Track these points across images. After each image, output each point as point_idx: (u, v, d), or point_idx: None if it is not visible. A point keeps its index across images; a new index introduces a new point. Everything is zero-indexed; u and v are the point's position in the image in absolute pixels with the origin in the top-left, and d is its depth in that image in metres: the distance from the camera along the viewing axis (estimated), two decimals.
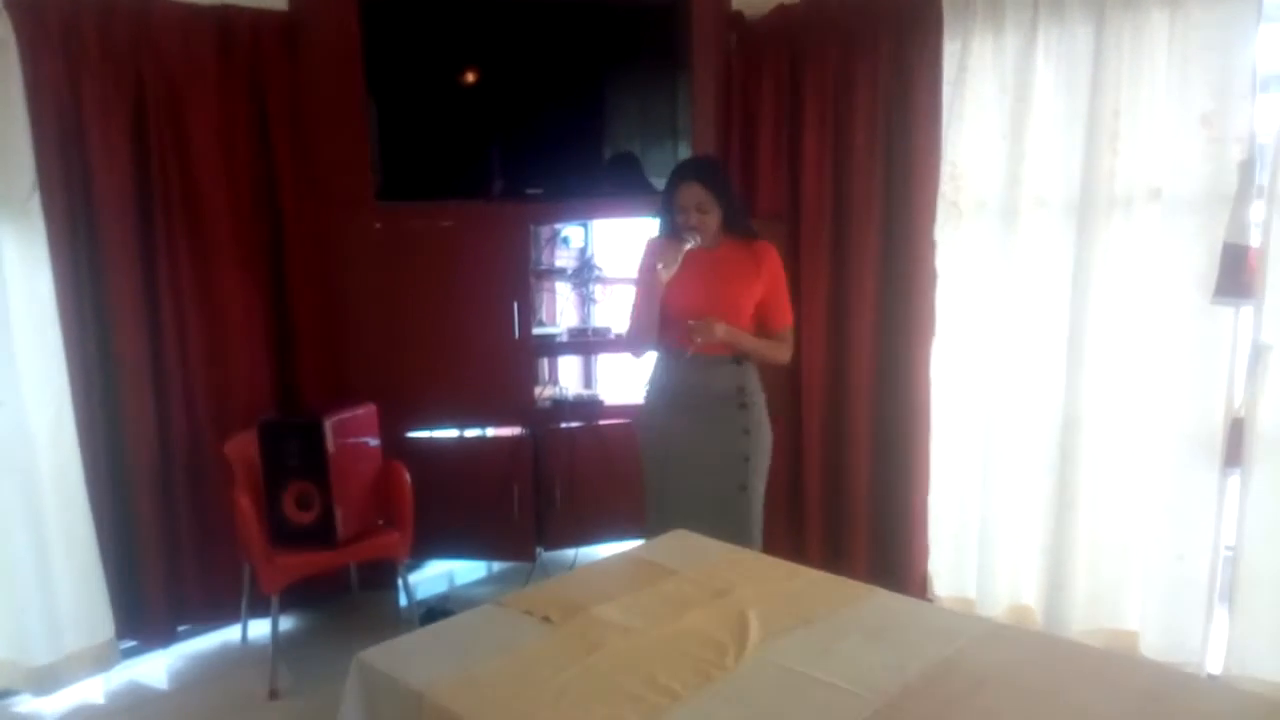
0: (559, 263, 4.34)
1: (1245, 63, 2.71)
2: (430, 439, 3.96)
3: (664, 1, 3.75)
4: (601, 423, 3.97)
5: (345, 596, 3.81)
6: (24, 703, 3.15)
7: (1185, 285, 2.88)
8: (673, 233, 2.87)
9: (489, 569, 4.24)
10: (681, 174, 2.88)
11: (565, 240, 4.32)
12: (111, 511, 3.26)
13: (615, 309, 4.23)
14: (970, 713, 1.70)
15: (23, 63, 2.91)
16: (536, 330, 3.97)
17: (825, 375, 3.70)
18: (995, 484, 3.32)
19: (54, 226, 3.02)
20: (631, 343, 3.03)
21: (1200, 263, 2.84)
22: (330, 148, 3.62)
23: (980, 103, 3.22)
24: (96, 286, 3.19)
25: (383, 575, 3.73)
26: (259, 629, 3.51)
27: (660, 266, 2.79)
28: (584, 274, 4.29)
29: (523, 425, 3.91)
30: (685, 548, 2.50)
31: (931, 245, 3.37)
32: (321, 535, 3.26)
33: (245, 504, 3.16)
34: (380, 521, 3.49)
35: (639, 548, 2.59)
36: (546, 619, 2.06)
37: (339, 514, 3.26)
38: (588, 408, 4.02)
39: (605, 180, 3.83)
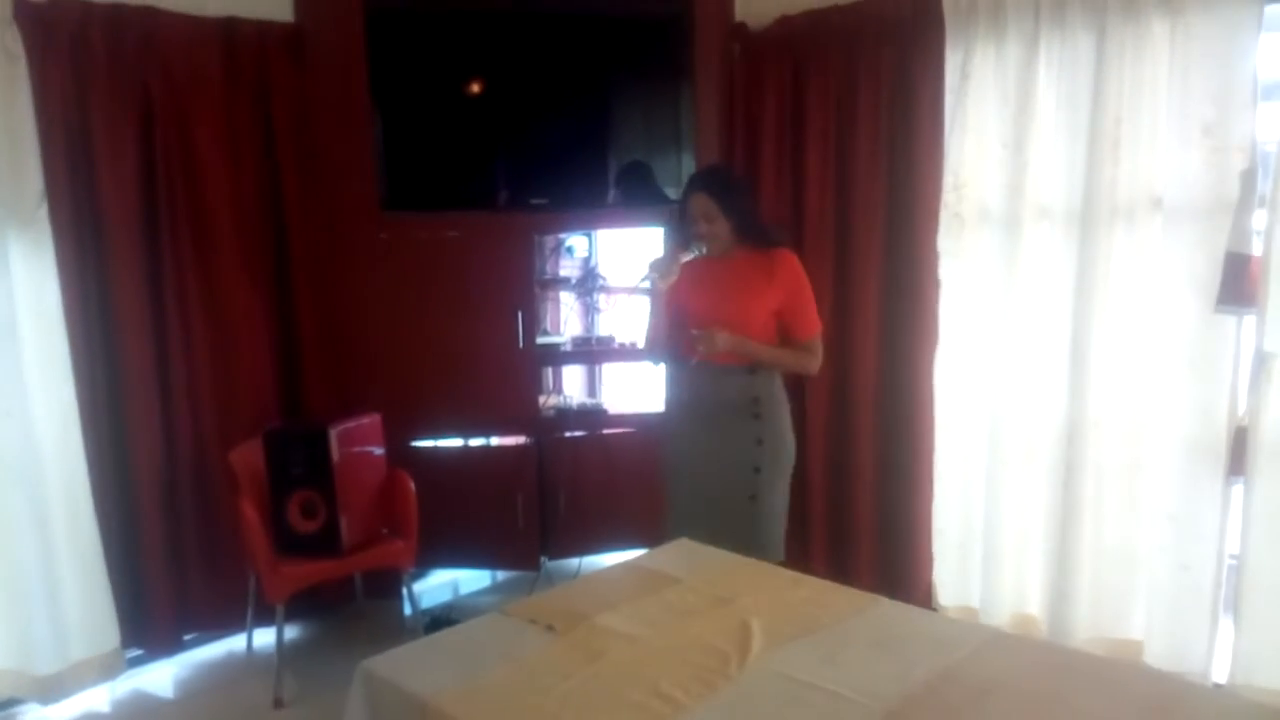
0: (563, 272, 4.35)
1: (1246, 72, 2.72)
2: (435, 448, 3.97)
3: (667, 13, 3.77)
4: (606, 432, 3.98)
5: (350, 605, 3.82)
6: (30, 711, 3.16)
7: (1188, 294, 2.88)
8: (684, 242, 2.91)
9: (493, 578, 4.24)
10: (690, 184, 2.94)
11: (570, 250, 4.33)
12: (117, 520, 3.27)
13: (620, 318, 4.25)
14: None
15: (31, 74, 2.93)
16: (541, 340, 3.97)
17: (829, 384, 3.69)
18: (999, 493, 3.32)
19: (61, 237, 3.04)
20: (646, 352, 3.10)
21: (1203, 271, 2.84)
22: (336, 158, 3.64)
23: (982, 112, 3.23)
24: (103, 296, 3.20)
25: (387, 584, 3.74)
26: (264, 638, 3.51)
27: (656, 276, 2.83)
28: (588, 283, 4.30)
29: (527, 434, 3.92)
30: (688, 556, 2.50)
31: (934, 254, 3.38)
32: (326, 544, 3.27)
33: (250, 513, 3.17)
34: (385, 530, 3.50)
35: (642, 556, 2.59)
36: (550, 628, 2.06)
37: (344, 523, 3.27)
38: (592, 417, 4.03)
39: (617, 188, 3.85)
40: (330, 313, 3.72)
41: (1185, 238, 2.88)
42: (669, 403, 3.07)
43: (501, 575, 4.23)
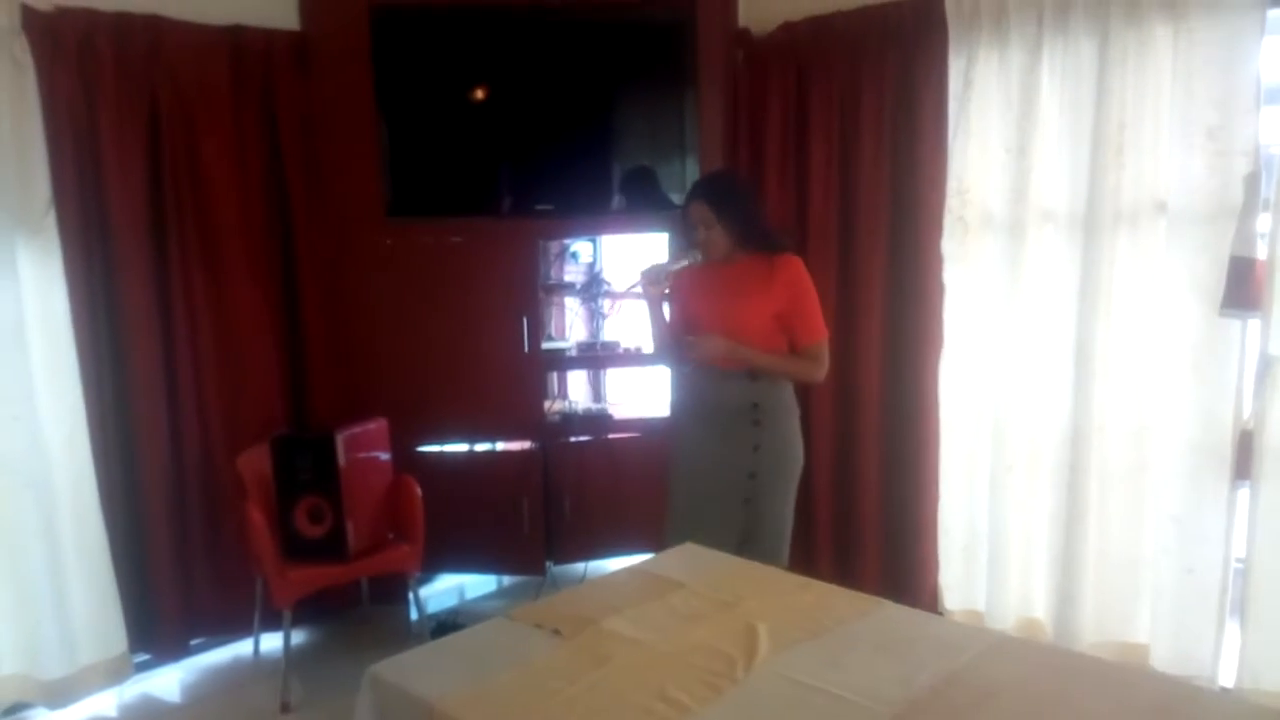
0: (568, 277, 4.37)
1: (1250, 76, 2.72)
2: (441, 453, 3.98)
3: (671, 19, 3.78)
4: (611, 437, 3.99)
5: (356, 610, 3.83)
6: (38, 716, 3.17)
7: (1192, 298, 2.89)
8: (686, 248, 2.93)
9: (499, 583, 4.25)
10: (690, 191, 2.94)
11: (574, 255, 4.35)
12: (125, 525, 3.29)
13: (624, 323, 4.26)
14: None
15: (39, 82, 2.94)
16: (546, 345, 3.99)
17: (834, 388, 3.69)
18: (1004, 496, 3.32)
19: (69, 244, 3.05)
20: (655, 357, 3.17)
21: (1207, 275, 2.84)
22: (341, 164, 3.66)
23: (986, 117, 3.24)
24: (110, 303, 3.22)
25: (394, 589, 3.75)
26: (271, 642, 3.53)
27: (647, 282, 2.86)
28: (593, 289, 4.31)
29: (532, 439, 3.93)
30: (693, 560, 2.51)
31: (939, 259, 3.38)
32: (333, 549, 3.28)
33: (257, 518, 3.18)
34: (391, 535, 3.51)
35: (647, 561, 2.59)
36: (556, 632, 2.06)
37: (350, 528, 3.28)
38: (597, 422, 4.04)
39: (621, 193, 3.86)
40: (336, 318, 3.74)
41: (1189, 242, 2.88)
42: (674, 406, 3.09)
43: (507, 580, 4.24)
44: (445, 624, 3.63)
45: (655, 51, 3.84)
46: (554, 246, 4.23)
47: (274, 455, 3.29)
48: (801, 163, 3.70)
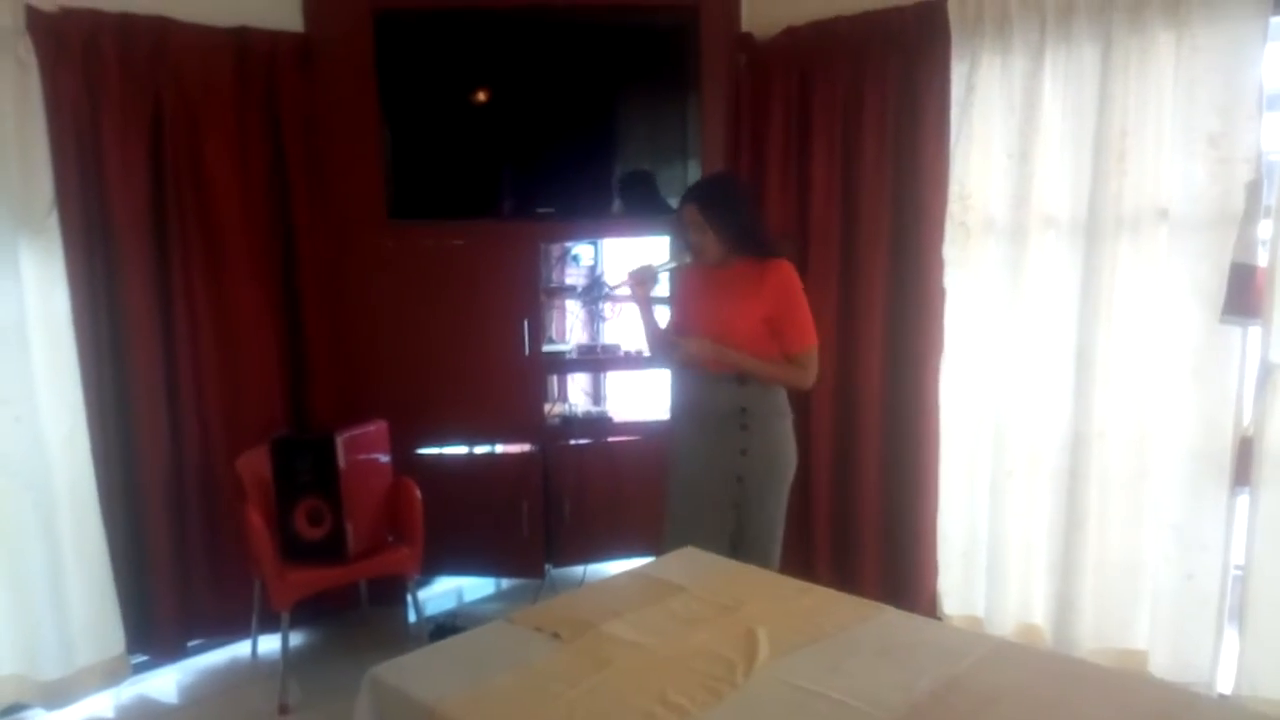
0: (569, 280, 4.37)
1: (1252, 83, 2.73)
2: (440, 455, 3.98)
3: (674, 23, 3.78)
4: (611, 440, 3.99)
5: (355, 612, 3.82)
6: (35, 717, 3.17)
7: (1193, 305, 2.89)
8: (681, 251, 2.97)
9: (498, 585, 4.25)
10: (684, 195, 2.96)
11: (575, 258, 4.35)
12: (124, 526, 3.28)
13: (625, 326, 4.26)
14: None
15: (43, 83, 2.95)
16: (546, 347, 3.99)
17: (834, 393, 3.70)
18: (1004, 502, 3.32)
19: (71, 244, 3.06)
20: (649, 358, 3.17)
21: (1208, 282, 2.84)
22: (343, 166, 3.67)
23: (988, 123, 3.24)
24: (112, 303, 3.22)
25: (392, 591, 3.75)
26: (269, 644, 3.52)
27: (633, 283, 2.93)
28: (594, 291, 4.32)
29: (532, 442, 3.93)
30: (694, 564, 2.51)
31: (940, 264, 3.39)
32: (332, 551, 3.28)
33: (256, 519, 3.18)
34: (390, 538, 3.51)
35: (647, 564, 2.60)
36: (556, 635, 2.06)
37: (350, 530, 3.28)
38: (597, 425, 4.04)
39: (620, 197, 3.87)
40: (337, 320, 3.74)
41: (1190, 249, 2.88)
42: (671, 409, 3.10)
43: (506, 583, 4.24)
44: (444, 626, 3.62)
45: (658, 55, 3.85)
46: (555, 249, 4.23)
47: (274, 457, 3.29)
48: (803, 167, 3.70)
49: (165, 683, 3.42)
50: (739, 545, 2.86)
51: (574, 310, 4.42)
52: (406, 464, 3.67)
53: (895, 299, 3.57)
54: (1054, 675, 1.94)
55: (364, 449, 3.42)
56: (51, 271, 3.03)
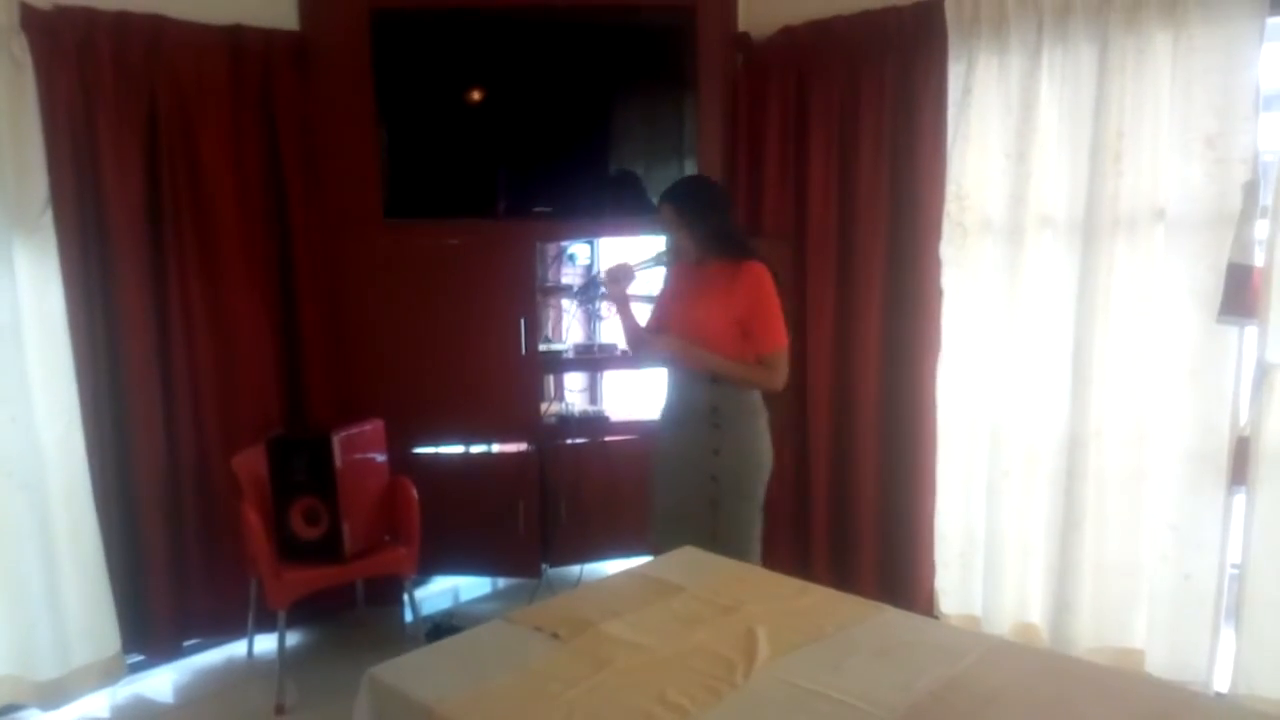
0: (565, 279, 4.36)
1: (1248, 83, 2.73)
2: (437, 455, 3.98)
3: (670, 23, 3.78)
4: (607, 439, 3.99)
5: (351, 612, 3.81)
6: (31, 717, 3.15)
7: (1190, 305, 2.89)
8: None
9: (494, 584, 4.24)
10: (661, 195, 2.99)
11: (572, 257, 4.35)
12: (119, 526, 3.27)
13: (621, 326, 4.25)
14: None
15: (37, 81, 2.93)
16: (543, 347, 3.98)
17: (831, 392, 3.71)
18: (1001, 501, 3.32)
19: (66, 243, 3.04)
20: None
21: (1205, 282, 2.85)
22: (339, 165, 3.66)
23: (985, 123, 3.24)
24: (107, 302, 3.21)
25: (389, 591, 3.74)
26: (265, 644, 3.51)
27: (610, 281, 3.00)
28: (590, 290, 4.31)
29: (529, 441, 3.92)
30: (693, 564, 2.51)
31: (937, 263, 3.39)
32: (329, 550, 3.27)
33: (253, 519, 3.17)
34: (387, 537, 3.50)
35: (646, 564, 2.60)
36: (555, 635, 2.06)
37: (346, 529, 3.27)
38: (593, 424, 4.04)
39: (608, 198, 3.86)
40: (333, 319, 3.73)
41: (1187, 249, 2.89)
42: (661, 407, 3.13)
43: (502, 582, 4.24)
44: (440, 626, 3.62)
45: (655, 55, 3.85)
46: (551, 249, 4.22)
47: (270, 456, 3.28)
48: (801, 167, 3.70)
49: (161, 683, 3.40)
50: (715, 544, 2.85)
51: (570, 309, 4.42)
52: (403, 463, 3.67)
53: (892, 299, 3.57)
54: (1052, 675, 1.94)
55: (360, 448, 3.41)
56: (46, 270, 3.02)
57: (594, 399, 4.51)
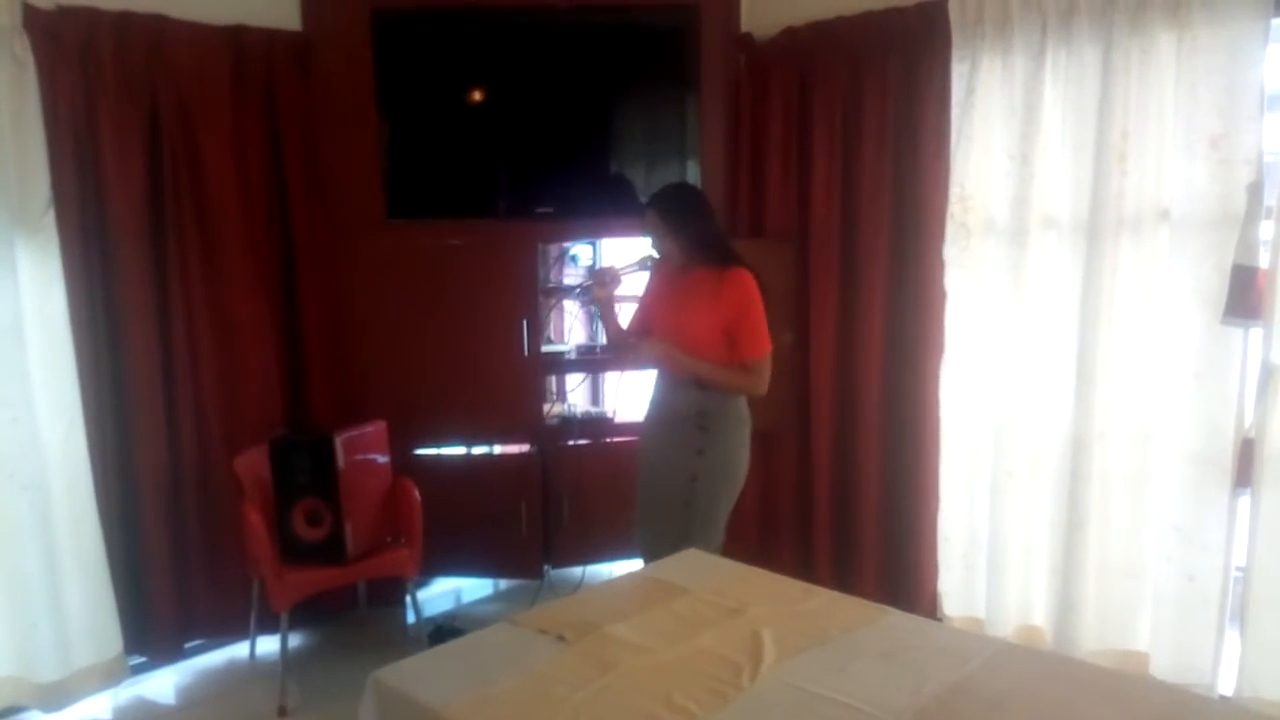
0: (567, 280, 4.36)
1: (1253, 84, 2.73)
2: (439, 456, 3.98)
3: (673, 23, 3.78)
4: (609, 440, 3.98)
5: (353, 613, 3.81)
6: (33, 719, 3.15)
7: (1194, 306, 2.89)
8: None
9: (496, 586, 4.24)
10: (646, 201, 3.02)
11: (574, 258, 4.34)
12: (121, 526, 3.27)
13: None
14: None
15: (40, 81, 2.93)
16: (545, 348, 3.98)
17: (834, 394, 3.70)
18: (1005, 503, 3.32)
19: (68, 243, 3.04)
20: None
21: (1209, 284, 2.84)
22: (341, 166, 3.65)
23: (988, 123, 3.24)
24: (109, 302, 3.21)
25: (391, 592, 3.74)
26: (267, 645, 3.51)
27: (595, 285, 3.02)
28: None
29: (531, 443, 3.92)
30: (698, 566, 2.50)
31: (940, 264, 3.38)
32: (331, 552, 3.26)
33: (255, 520, 3.16)
34: (389, 538, 3.49)
35: (651, 566, 2.60)
36: (560, 638, 2.06)
37: (348, 530, 3.27)
38: (596, 425, 4.03)
39: (609, 199, 3.86)
40: (335, 320, 3.73)
41: (1191, 250, 2.88)
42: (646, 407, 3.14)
43: (504, 583, 4.23)
44: (443, 627, 3.61)
45: (657, 55, 3.84)
46: (553, 249, 4.22)
47: (272, 457, 3.27)
48: (803, 168, 3.70)
49: (163, 684, 3.40)
50: (682, 544, 2.84)
51: (572, 310, 4.41)
52: (405, 464, 3.66)
53: (895, 300, 3.57)
54: (1059, 678, 1.94)
55: (362, 449, 3.40)
56: (48, 270, 3.01)
57: (596, 400, 4.50)
